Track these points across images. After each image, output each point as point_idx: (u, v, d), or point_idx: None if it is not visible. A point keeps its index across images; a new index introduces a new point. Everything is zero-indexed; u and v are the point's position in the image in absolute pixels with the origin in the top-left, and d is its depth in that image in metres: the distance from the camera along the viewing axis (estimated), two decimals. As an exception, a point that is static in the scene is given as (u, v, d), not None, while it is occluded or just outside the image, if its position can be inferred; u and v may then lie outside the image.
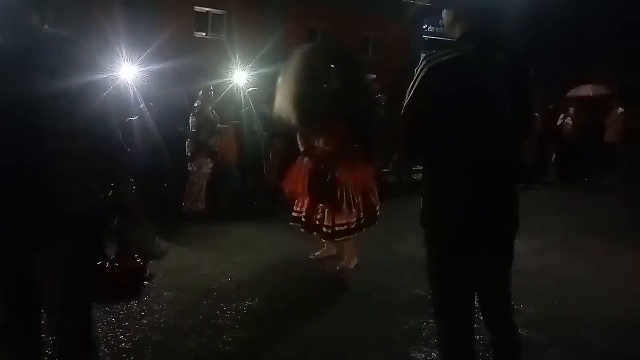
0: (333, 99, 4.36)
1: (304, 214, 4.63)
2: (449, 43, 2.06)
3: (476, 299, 2.14)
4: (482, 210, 1.97)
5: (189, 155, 6.58)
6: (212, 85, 7.10)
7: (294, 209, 4.73)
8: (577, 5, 13.82)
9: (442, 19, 2.25)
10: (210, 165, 6.66)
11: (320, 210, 4.54)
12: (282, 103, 4.49)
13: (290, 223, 4.80)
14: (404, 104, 1.97)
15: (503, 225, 2.05)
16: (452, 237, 2.01)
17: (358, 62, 4.81)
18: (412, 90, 1.95)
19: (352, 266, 4.65)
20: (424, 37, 17.53)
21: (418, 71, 1.95)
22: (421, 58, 1.98)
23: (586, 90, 12.34)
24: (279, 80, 4.58)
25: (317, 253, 4.87)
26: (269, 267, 4.67)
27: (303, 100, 4.34)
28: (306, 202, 4.62)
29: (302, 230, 4.71)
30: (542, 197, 7.94)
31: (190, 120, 6.62)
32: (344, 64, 4.49)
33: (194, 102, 6.81)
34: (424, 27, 17.54)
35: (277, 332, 3.44)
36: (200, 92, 6.77)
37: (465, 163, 1.95)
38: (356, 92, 4.39)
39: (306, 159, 4.64)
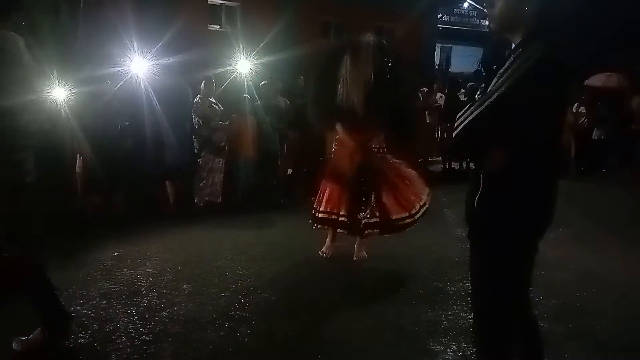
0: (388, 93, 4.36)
1: (341, 212, 4.57)
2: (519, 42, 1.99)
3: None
4: (547, 205, 2.02)
5: (195, 151, 6.60)
6: (215, 76, 7.01)
7: (329, 210, 4.64)
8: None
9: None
10: (219, 160, 6.63)
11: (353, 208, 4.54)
12: (352, 90, 4.35)
13: (319, 225, 4.75)
14: (479, 107, 1.94)
15: (550, 220, 2.08)
16: (512, 232, 2.01)
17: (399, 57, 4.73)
18: (496, 95, 1.89)
19: (365, 255, 4.67)
20: (439, 27, 17.37)
21: (507, 73, 1.89)
22: (510, 57, 1.93)
23: (600, 79, 12.10)
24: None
25: (323, 249, 4.83)
26: (286, 260, 4.68)
27: (321, 93, 4.37)
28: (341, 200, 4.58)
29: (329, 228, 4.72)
30: (559, 188, 7.84)
31: (192, 117, 6.58)
32: (394, 59, 4.49)
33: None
34: (438, 16, 17.36)
35: (295, 324, 3.45)
36: (202, 85, 6.66)
37: (529, 165, 1.94)
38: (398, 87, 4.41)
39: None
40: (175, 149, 6.26)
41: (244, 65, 7.31)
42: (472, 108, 1.97)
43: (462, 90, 9.72)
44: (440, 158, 9.80)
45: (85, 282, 4.06)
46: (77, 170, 5.88)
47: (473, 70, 13.10)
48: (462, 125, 1.99)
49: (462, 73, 14.69)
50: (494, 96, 1.89)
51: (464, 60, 17.20)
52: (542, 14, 1.99)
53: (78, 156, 5.82)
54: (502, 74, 1.91)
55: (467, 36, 19.13)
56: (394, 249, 4.79)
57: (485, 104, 1.91)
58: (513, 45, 2.01)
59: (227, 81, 7.10)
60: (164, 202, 6.35)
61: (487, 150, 1.99)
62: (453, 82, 10.23)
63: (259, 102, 6.93)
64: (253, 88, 7.04)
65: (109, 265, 4.45)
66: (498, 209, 2.01)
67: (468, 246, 2.19)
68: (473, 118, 1.94)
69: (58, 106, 5.42)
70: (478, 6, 19.53)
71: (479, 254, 2.12)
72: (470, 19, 19.99)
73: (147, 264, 4.49)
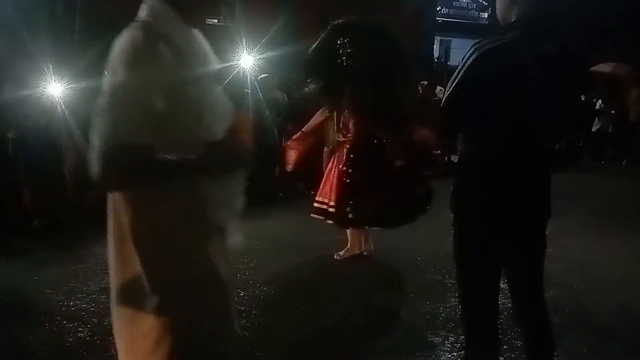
0: (351, 74, 4.07)
1: (331, 203, 4.41)
2: (500, 29, 2.03)
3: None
4: (517, 194, 1.98)
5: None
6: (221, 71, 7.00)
7: (321, 200, 4.54)
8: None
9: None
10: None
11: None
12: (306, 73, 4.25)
13: (313, 215, 4.61)
14: (448, 89, 1.96)
15: (535, 210, 2.06)
16: (485, 219, 2.01)
17: (390, 41, 4.30)
18: (458, 76, 1.93)
19: (357, 252, 4.60)
20: (438, 20, 17.31)
21: (465, 58, 1.93)
22: (470, 47, 1.96)
23: (608, 67, 12.04)
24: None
25: (341, 252, 4.70)
26: (285, 254, 4.69)
27: (321, 74, 4.13)
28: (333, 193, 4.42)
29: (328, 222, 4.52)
30: (558, 180, 7.83)
31: None
32: (370, 41, 4.14)
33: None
34: (437, 9, 17.31)
35: (294, 317, 3.47)
36: None
37: (502, 148, 1.95)
38: (379, 70, 4.03)
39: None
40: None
41: (245, 60, 7.30)
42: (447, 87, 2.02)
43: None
44: (439, 152, 9.79)
45: (85, 276, 4.07)
46: (74, 165, 5.87)
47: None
48: (441, 107, 2.03)
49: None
50: (454, 81, 1.94)
51: (463, 53, 17.09)
52: (533, 10, 2.00)
53: (75, 151, 5.80)
54: (462, 59, 1.96)
55: (466, 29, 19.06)
56: (392, 242, 4.80)
57: (449, 89, 1.96)
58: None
59: (229, 76, 7.07)
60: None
61: (459, 132, 2.05)
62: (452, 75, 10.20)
63: (259, 96, 6.92)
64: (254, 82, 7.04)
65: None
66: (460, 196, 2.05)
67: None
68: (443, 101, 1.99)
69: (53, 101, 5.41)
70: (477, -2, 19.49)
71: (453, 243, 2.14)
72: (470, 12, 19.93)
73: (147, 258, 4.49)
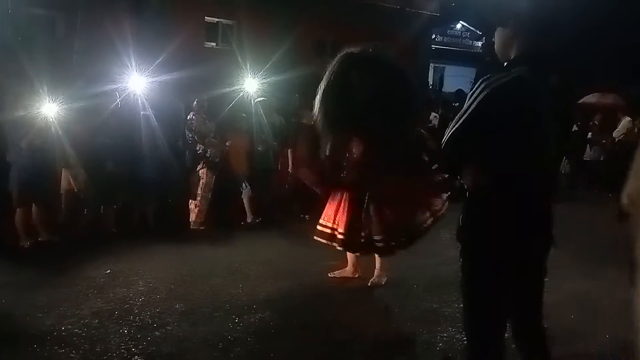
0: (362, 108, 4.13)
1: (339, 229, 4.43)
2: (495, 60, 2.07)
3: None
4: (529, 225, 2.03)
5: (189, 167, 6.56)
6: (214, 95, 7.02)
7: (325, 223, 4.56)
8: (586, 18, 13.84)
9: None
10: (212, 176, 6.61)
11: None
12: (314, 107, 4.29)
13: (317, 238, 4.62)
14: (457, 123, 1.99)
15: (541, 242, 2.10)
16: (493, 251, 2.03)
17: (399, 72, 4.38)
18: (469, 110, 1.96)
19: (383, 282, 4.54)
20: (432, 47, 17.57)
21: (476, 93, 1.96)
22: (479, 81, 1.99)
23: (595, 97, 12.27)
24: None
25: (336, 272, 4.74)
26: (280, 279, 4.64)
27: (330, 105, 4.19)
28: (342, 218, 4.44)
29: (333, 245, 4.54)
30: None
31: (186, 133, 6.56)
32: (379, 72, 4.19)
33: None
34: (432, 36, 17.58)
35: (290, 345, 3.42)
36: (194, 103, 6.62)
37: (514, 180, 1.99)
38: (390, 104, 4.08)
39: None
40: (170, 166, 6.26)
41: (241, 82, 7.36)
42: (449, 127, 2.04)
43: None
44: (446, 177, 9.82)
45: (76, 300, 4.01)
46: (68, 186, 5.83)
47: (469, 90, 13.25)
48: (444, 143, 2.05)
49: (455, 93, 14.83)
50: (464, 117, 1.97)
51: (457, 80, 17.37)
52: (534, 44, 2.05)
53: (70, 173, 5.77)
54: (471, 95, 1.98)
55: (460, 57, 19.38)
56: (389, 269, 4.77)
57: (456, 124, 1.99)
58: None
59: (233, 101, 7.11)
60: (158, 219, 6.32)
61: (466, 167, 2.07)
62: (446, 102, 10.32)
63: (257, 119, 6.95)
64: (250, 105, 7.08)
65: (101, 283, 4.40)
66: (472, 228, 2.07)
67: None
68: (449, 136, 2.01)
69: (48, 122, 5.41)
70: (471, 27, 19.83)
71: (461, 272, 2.15)
72: (463, 40, 20.28)
73: (140, 282, 4.44)
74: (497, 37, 2.15)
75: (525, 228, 2.02)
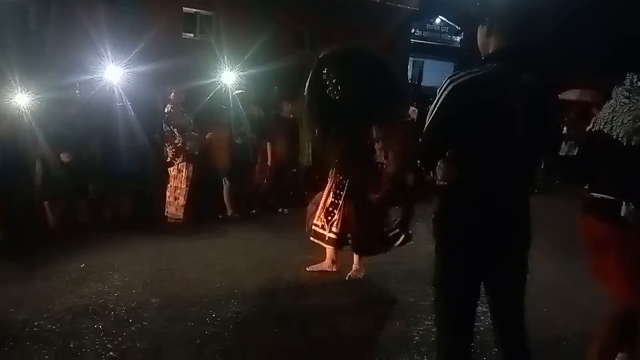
0: (337, 108, 4.18)
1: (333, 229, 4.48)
2: (481, 61, 2.08)
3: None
4: (494, 220, 2.04)
5: (168, 160, 6.47)
6: (190, 87, 6.93)
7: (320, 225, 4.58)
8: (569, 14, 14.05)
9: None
10: (190, 169, 6.53)
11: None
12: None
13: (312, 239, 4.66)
14: (427, 120, 2.02)
15: (514, 237, 2.11)
16: (462, 244, 2.06)
17: (379, 65, 4.34)
18: (435, 108, 1.99)
19: (361, 276, 4.56)
20: (412, 41, 17.64)
21: (441, 90, 1.99)
22: (445, 80, 2.01)
23: (574, 94, 12.45)
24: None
25: (315, 266, 4.74)
26: (258, 273, 4.62)
27: (309, 106, 4.32)
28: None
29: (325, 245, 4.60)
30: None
31: (163, 126, 6.46)
32: (358, 68, 4.21)
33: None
34: (412, 31, 17.65)
35: (267, 340, 3.41)
36: (172, 95, 6.48)
37: (480, 178, 2.02)
38: (369, 101, 4.09)
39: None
40: (146, 158, 6.17)
41: (226, 76, 7.28)
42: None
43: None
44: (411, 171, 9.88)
45: (50, 295, 3.93)
46: (40, 177, 5.70)
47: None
48: (420, 140, 2.10)
49: (434, 87, 14.95)
50: (431, 114, 2.01)
51: (436, 74, 17.50)
52: (509, 41, 2.06)
53: (40, 163, 5.64)
54: (438, 92, 2.03)
55: (438, 51, 19.50)
56: (366, 264, 4.79)
57: (427, 121, 2.03)
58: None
59: (211, 93, 7.02)
60: (135, 212, 6.23)
61: (439, 162, 2.10)
62: (425, 97, 10.38)
63: (235, 111, 6.88)
64: (229, 98, 7.00)
65: (75, 277, 4.32)
66: (443, 222, 2.12)
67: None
68: (423, 134, 2.05)
69: (20, 113, 5.28)
70: (450, 22, 19.96)
71: (434, 266, 2.19)
72: (442, 35, 20.42)
73: (115, 276, 4.38)
74: (478, 34, 2.16)
75: (497, 222, 2.04)
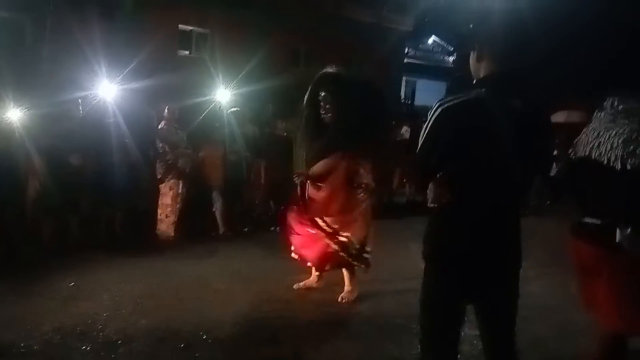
0: (328, 130, 4.32)
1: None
2: (471, 85, 2.11)
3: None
4: (482, 243, 2.04)
5: (159, 177, 6.46)
6: (185, 104, 6.96)
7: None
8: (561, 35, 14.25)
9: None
10: (182, 186, 6.52)
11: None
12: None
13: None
14: (419, 143, 2.05)
15: (504, 260, 2.11)
16: (451, 266, 2.07)
17: (372, 97, 4.45)
18: (425, 132, 2.02)
19: (353, 297, 4.53)
20: (405, 61, 17.83)
21: (430, 113, 2.02)
22: (435, 103, 2.04)
23: (562, 116, 12.58)
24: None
25: (301, 283, 4.75)
26: (250, 292, 4.58)
27: (305, 124, 4.43)
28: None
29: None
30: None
31: (156, 142, 6.48)
32: (343, 94, 4.32)
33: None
34: (405, 51, 17.84)
35: (258, 361, 3.38)
36: (165, 112, 6.54)
37: (470, 200, 2.02)
38: (354, 124, 4.19)
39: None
40: (140, 175, 6.15)
41: (220, 94, 7.31)
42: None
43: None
44: (405, 189, 9.91)
45: (39, 314, 3.88)
46: (34, 194, 5.67)
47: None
48: (413, 162, 2.13)
49: (426, 107, 15.07)
50: (422, 137, 2.04)
51: (428, 94, 17.68)
52: (499, 66, 2.09)
53: (32, 178, 5.60)
54: (428, 115, 2.05)
55: (431, 71, 19.69)
56: (357, 284, 4.77)
57: (418, 144, 2.06)
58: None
59: (206, 111, 7.06)
60: (126, 230, 6.19)
61: (429, 184, 2.12)
62: (418, 116, 10.47)
63: (230, 129, 6.91)
64: (223, 115, 7.03)
65: (65, 295, 4.28)
66: (432, 243, 2.14)
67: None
68: (416, 157, 2.07)
69: (13, 128, 5.27)
70: (442, 43, 20.21)
71: (421, 287, 2.19)
72: (435, 55, 20.63)
73: (105, 296, 4.33)
74: (470, 59, 2.19)
75: (486, 246, 2.04)
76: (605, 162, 2.57)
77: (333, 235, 4.39)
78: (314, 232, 4.46)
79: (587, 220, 2.65)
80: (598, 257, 2.58)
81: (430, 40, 20.24)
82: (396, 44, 15.40)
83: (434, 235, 2.14)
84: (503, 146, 1.98)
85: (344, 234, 4.38)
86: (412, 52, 19.24)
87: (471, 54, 2.18)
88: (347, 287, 4.56)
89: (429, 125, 2.01)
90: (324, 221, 4.42)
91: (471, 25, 2.38)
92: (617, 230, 2.47)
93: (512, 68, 2.10)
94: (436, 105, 2.02)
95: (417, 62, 19.46)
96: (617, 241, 2.47)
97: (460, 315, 2.15)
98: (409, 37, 16.92)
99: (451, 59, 20.07)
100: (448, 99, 2.01)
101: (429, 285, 2.16)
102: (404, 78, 18.18)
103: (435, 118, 2.00)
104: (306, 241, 4.54)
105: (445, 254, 2.09)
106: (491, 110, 1.98)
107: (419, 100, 18.93)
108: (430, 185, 2.11)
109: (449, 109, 1.98)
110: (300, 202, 4.59)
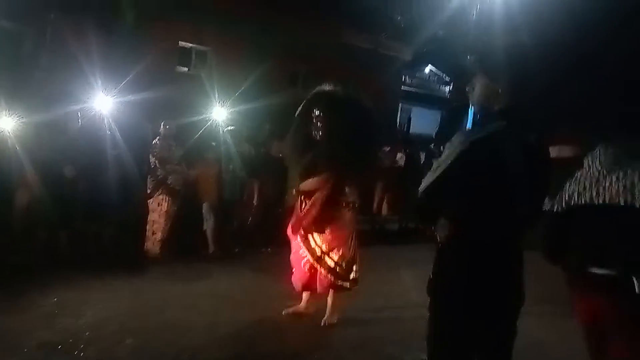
0: (317, 146, 4.33)
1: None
2: (486, 119, 2.08)
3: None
4: (492, 280, 2.00)
5: (148, 192, 6.39)
6: (181, 121, 6.95)
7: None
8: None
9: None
10: (171, 203, 6.44)
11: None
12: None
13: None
14: (431, 175, 1.99)
15: (509, 299, 2.07)
16: (458, 303, 2.02)
17: (364, 120, 4.46)
18: (449, 163, 1.96)
19: (335, 321, 4.44)
20: (402, 89, 18.00)
21: (453, 147, 1.97)
22: (458, 136, 1.99)
23: (556, 150, 12.68)
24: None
25: (290, 309, 4.63)
26: (237, 316, 4.49)
27: (291, 147, 4.49)
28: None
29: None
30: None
31: (150, 157, 6.44)
32: (337, 113, 4.34)
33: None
34: (402, 79, 18.02)
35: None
36: (161, 128, 6.51)
37: (486, 233, 1.99)
38: (343, 144, 4.21)
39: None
40: (131, 191, 6.09)
41: (217, 112, 7.31)
42: (429, 173, 2.04)
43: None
44: (397, 217, 9.85)
45: (23, 329, 3.77)
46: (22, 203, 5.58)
47: (434, 133, 13.58)
48: (420, 191, 2.04)
49: (421, 135, 15.20)
50: (441, 167, 1.98)
51: (423, 122, 17.83)
52: (514, 96, 2.08)
53: (24, 189, 5.53)
54: (450, 147, 2.00)
55: (426, 99, 19.87)
56: (348, 314, 4.67)
57: (434, 174, 2.00)
58: (471, 110, 2.11)
59: (202, 128, 7.05)
60: (114, 246, 6.08)
61: (439, 218, 2.07)
62: (413, 143, 10.53)
63: (226, 148, 6.89)
64: (220, 134, 7.02)
65: (50, 311, 4.17)
66: (443, 279, 2.06)
67: (424, 311, 2.17)
68: (426, 186, 2.01)
69: (6, 136, 5.22)
70: (438, 73, 20.46)
71: (427, 324, 2.13)
72: (430, 84, 20.86)
73: (89, 313, 4.23)
74: (478, 87, 2.14)
75: (495, 283, 2.01)
76: (612, 207, 2.28)
77: (321, 258, 4.37)
78: (302, 253, 4.42)
79: (595, 270, 2.32)
80: (616, 310, 2.28)
81: (426, 70, 20.48)
82: (394, 71, 15.54)
83: (443, 273, 2.07)
84: (521, 182, 1.97)
85: (332, 256, 4.36)
86: (408, 80, 19.43)
87: (477, 84, 2.15)
88: (328, 310, 4.47)
89: (452, 156, 1.95)
90: (313, 238, 4.39)
91: (469, 57, 2.34)
92: (635, 281, 2.18)
93: (525, 101, 2.09)
94: (462, 137, 1.97)
95: (414, 90, 19.65)
96: (637, 292, 2.17)
97: (469, 349, 2.10)
98: (407, 65, 17.09)
99: (447, 88, 20.30)
100: (472, 131, 1.99)
101: (435, 321, 2.10)
102: (400, 105, 18.31)
103: (461, 150, 1.94)
104: (295, 263, 4.50)
105: (454, 293, 2.03)
106: (515, 144, 1.97)
107: (414, 128, 19.06)
108: (441, 220, 2.06)
109: (476, 142, 1.94)
110: (294, 219, 4.55)
